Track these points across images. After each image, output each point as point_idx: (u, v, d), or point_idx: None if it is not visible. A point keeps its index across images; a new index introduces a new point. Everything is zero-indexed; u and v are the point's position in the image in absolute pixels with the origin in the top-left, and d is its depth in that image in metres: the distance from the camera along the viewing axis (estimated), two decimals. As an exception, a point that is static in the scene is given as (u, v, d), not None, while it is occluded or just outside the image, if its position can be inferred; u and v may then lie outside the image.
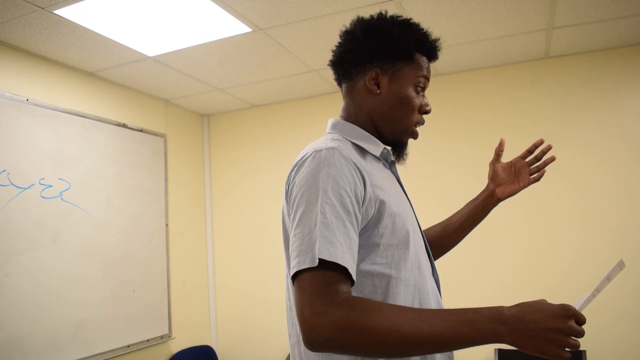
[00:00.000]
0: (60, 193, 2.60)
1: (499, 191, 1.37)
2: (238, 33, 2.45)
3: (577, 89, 2.87)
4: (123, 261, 2.93)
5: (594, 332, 2.67)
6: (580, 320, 0.81)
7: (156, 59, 2.74)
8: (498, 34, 2.59)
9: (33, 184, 2.47)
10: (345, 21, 2.56)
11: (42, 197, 2.50)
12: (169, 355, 3.24)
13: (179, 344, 3.33)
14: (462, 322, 0.82)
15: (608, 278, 1.02)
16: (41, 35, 2.35)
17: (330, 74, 3.10)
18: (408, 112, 1.12)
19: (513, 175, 1.36)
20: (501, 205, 3.06)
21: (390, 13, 1.15)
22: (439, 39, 1.16)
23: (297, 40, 2.54)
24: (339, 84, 1.20)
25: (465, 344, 0.82)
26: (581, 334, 0.79)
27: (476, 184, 2.97)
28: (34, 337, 2.37)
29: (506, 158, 1.38)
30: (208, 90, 3.32)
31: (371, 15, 1.14)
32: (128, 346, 2.89)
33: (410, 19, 1.14)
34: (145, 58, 2.71)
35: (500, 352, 2.80)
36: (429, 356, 1.02)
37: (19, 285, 2.34)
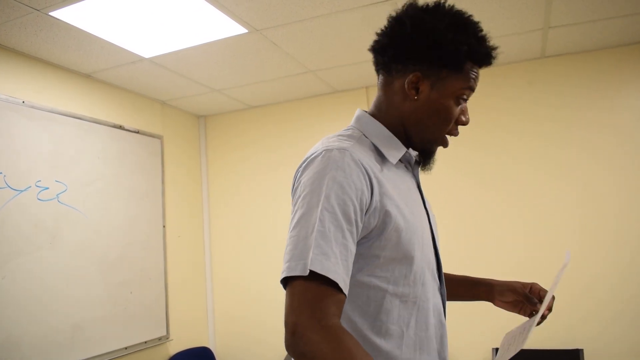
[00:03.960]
0: (57, 195, 2.60)
1: (497, 302, 1.28)
2: (234, 34, 2.44)
3: (573, 88, 2.88)
4: (120, 263, 2.92)
5: (591, 331, 2.69)
6: None
7: (152, 61, 2.73)
8: (494, 34, 2.55)
9: (30, 186, 2.46)
10: (341, 21, 2.54)
11: (39, 199, 2.50)
12: (166, 357, 3.24)
13: (176, 346, 3.32)
14: None
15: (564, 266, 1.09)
16: (37, 37, 2.34)
17: (326, 75, 3.06)
18: (444, 123, 1.04)
19: (520, 300, 1.25)
20: (499, 205, 3.06)
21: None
22: (496, 48, 1.04)
23: (294, 41, 2.54)
24: (377, 71, 1.10)
25: None
26: None
27: (471, 185, 3.01)
28: (32, 338, 2.37)
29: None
30: (204, 91, 3.31)
31: (427, 5, 1.02)
32: (126, 348, 2.88)
33: (470, 16, 1.03)
34: (141, 59, 2.71)
35: (498, 351, 2.80)
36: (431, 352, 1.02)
37: (16, 287, 2.33)
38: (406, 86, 1.02)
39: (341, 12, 2.25)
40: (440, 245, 1.14)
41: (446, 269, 1.38)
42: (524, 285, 1.26)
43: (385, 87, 1.08)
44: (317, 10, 2.24)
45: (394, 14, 1.05)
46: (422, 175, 1.18)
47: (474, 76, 1.03)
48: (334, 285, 0.86)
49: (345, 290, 0.88)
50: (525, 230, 2.89)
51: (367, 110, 1.13)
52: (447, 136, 1.08)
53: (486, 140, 3.02)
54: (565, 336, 2.73)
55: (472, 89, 1.04)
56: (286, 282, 0.88)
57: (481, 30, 1.03)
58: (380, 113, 1.09)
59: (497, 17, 2.40)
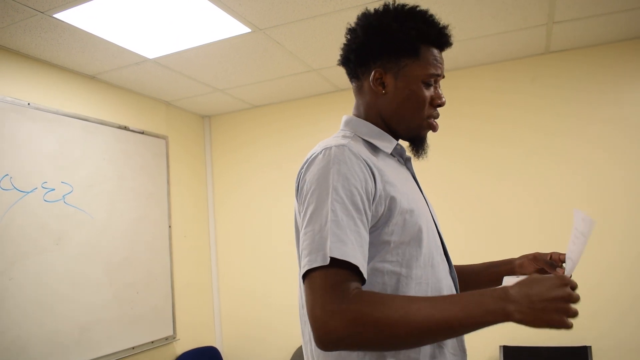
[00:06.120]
0: (63, 196, 2.61)
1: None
2: (237, 34, 2.45)
3: (578, 83, 2.86)
4: (127, 263, 2.93)
5: (599, 328, 2.67)
6: (574, 286, 0.85)
7: (156, 61, 2.74)
8: (498, 29, 2.58)
9: (36, 188, 2.47)
10: (344, 19, 2.54)
11: (45, 200, 2.51)
12: (173, 357, 3.25)
13: (183, 345, 3.33)
14: (472, 303, 0.84)
15: (583, 235, 1.07)
16: (41, 39, 2.35)
17: (329, 73, 3.08)
18: (417, 108, 1.09)
19: (541, 267, 1.28)
20: (506, 197, 3.04)
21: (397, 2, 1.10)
22: (447, 26, 1.09)
23: (297, 39, 2.54)
24: (351, 82, 1.19)
25: (476, 326, 0.83)
26: (578, 299, 0.83)
27: (477, 179, 3.00)
28: (39, 340, 2.38)
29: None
30: (209, 91, 3.32)
31: (375, 9, 1.10)
32: (133, 348, 2.89)
33: (417, 6, 1.08)
34: (145, 60, 2.71)
35: (505, 348, 2.80)
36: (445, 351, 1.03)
37: (23, 289, 2.35)
38: (372, 84, 1.09)
39: (344, 10, 2.25)
40: (450, 239, 1.15)
41: (456, 261, 1.38)
42: (543, 254, 1.28)
43: (359, 92, 1.16)
44: (320, 9, 2.24)
45: (349, 26, 1.13)
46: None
47: (433, 58, 1.08)
48: (353, 270, 0.88)
49: (365, 275, 0.90)
50: (532, 222, 2.87)
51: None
52: (434, 120, 1.13)
53: (490, 135, 3.01)
54: (573, 333, 2.71)
55: (435, 71, 1.08)
56: (306, 276, 0.90)
57: (430, 15, 1.08)
58: (362, 115, 1.15)
59: (501, 13, 2.39)
